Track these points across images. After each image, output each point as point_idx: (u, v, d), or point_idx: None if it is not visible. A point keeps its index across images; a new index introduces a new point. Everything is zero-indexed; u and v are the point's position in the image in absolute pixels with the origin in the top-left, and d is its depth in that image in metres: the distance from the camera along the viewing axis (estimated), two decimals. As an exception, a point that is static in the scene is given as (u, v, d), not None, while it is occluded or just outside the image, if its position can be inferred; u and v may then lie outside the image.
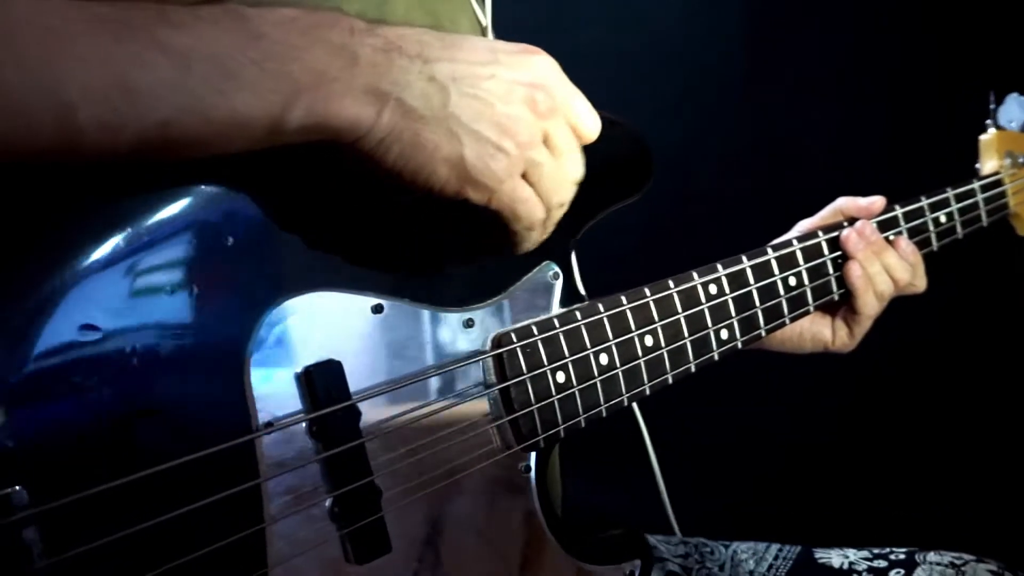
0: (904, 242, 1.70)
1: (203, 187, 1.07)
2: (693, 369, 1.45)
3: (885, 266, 1.64)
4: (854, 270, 1.62)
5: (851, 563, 1.59)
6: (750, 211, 1.64)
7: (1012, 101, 2.10)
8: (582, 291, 1.41)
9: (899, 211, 1.76)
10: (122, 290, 1.02)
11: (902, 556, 1.58)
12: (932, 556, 1.57)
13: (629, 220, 1.57)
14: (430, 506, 1.22)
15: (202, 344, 1.07)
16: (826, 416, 2.89)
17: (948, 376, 2.91)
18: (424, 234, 1.26)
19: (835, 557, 1.62)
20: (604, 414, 1.35)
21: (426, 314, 1.23)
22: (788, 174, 2.71)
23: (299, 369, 1.13)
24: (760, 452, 2.90)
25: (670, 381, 1.42)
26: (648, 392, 1.40)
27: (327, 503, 1.13)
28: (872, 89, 2.83)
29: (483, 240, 1.21)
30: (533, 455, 1.30)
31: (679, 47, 2.92)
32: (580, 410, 1.32)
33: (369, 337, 1.19)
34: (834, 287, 1.64)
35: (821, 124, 2.86)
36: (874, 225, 1.67)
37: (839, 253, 1.65)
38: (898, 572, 1.56)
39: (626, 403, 1.37)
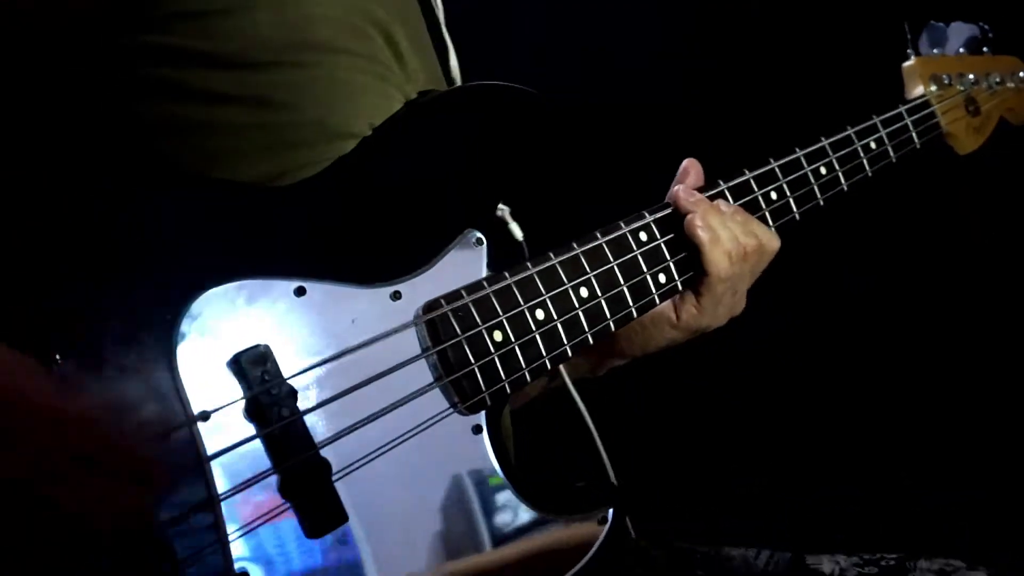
0: (722, 203, 1.55)
1: (101, 185, 1.11)
2: (635, 314, 1.46)
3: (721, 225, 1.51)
4: (695, 222, 1.49)
5: (842, 569, 1.57)
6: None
7: (931, 28, 2.13)
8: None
9: (825, 142, 1.78)
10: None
11: (892, 562, 1.57)
12: (922, 563, 1.55)
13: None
14: (387, 477, 1.23)
15: (129, 343, 1.10)
16: (815, 419, 2.87)
17: (942, 379, 2.88)
18: (344, 214, 1.29)
19: (826, 563, 1.60)
20: (548, 367, 1.36)
21: (351, 291, 1.26)
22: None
23: (228, 357, 1.15)
24: (746, 456, 2.88)
25: (612, 328, 1.44)
26: (591, 341, 1.41)
27: (276, 480, 1.14)
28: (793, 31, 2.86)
29: None
30: (483, 414, 1.31)
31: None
32: (523, 364, 1.33)
33: (296, 320, 1.22)
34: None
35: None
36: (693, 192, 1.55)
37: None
38: None
39: (569, 353, 1.39)
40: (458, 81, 1.68)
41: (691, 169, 1.58)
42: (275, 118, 1.33)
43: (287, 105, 1.33)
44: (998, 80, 2.15)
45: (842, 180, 1.77)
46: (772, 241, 1.57)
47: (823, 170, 1.75)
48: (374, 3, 1.44)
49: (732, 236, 1.51)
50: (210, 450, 1.12)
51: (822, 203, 1.74)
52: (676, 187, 1.54)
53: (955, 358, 2.85)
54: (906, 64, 2.06)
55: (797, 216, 1.69)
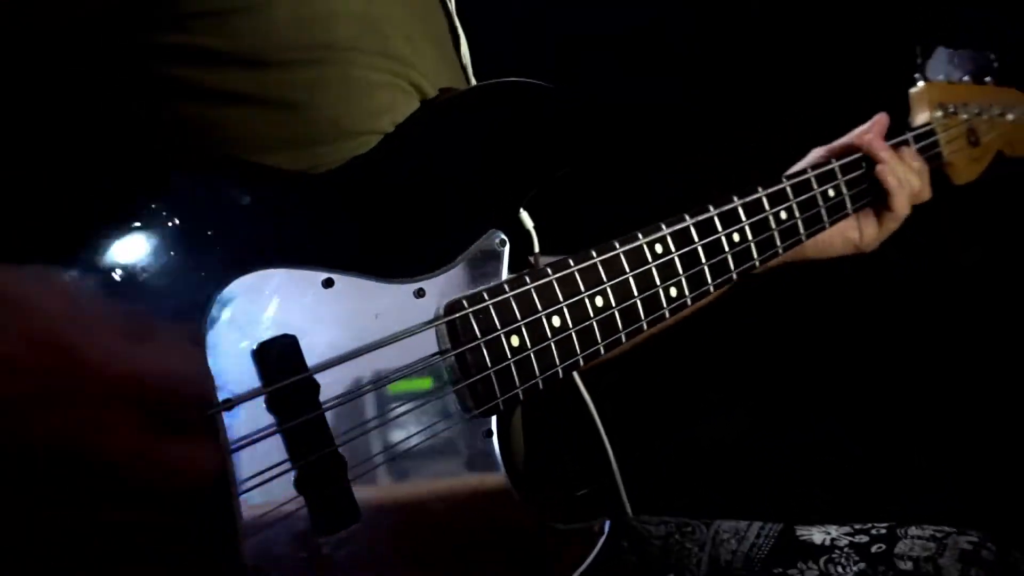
0: (908, 150, 1.88)
1: (138, 170, 1.09)
2: (645, 327, 1.47)
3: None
4: (886, 171, 1.82)
5: (833, 539, 1.57)
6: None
7: (941, 54, 2.15)
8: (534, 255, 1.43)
9: (835, 164, 1.79)
10: (77, 282, 1.04)
11: (883, 531, 1.56)
12: (913, 530, 1.55)
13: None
14: (398, 476, 1.23)
15: (158, 327, 1.08)
16: (807, 392, 2.92)
17: (930, 351, 2.93)
18: (370, 208, 1.28)
19: (816, 534, 1.60)
20: (560, 375, 1.37)
21: (376, 286, 1.25)
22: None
23: (254, 345, 1.14)
24: (737, 431, 2.92)
25: (623, 340, 1.44)
26: (603, 352, 1.42)
27: (292, 475, 1.14)
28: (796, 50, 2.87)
29: None
30: (494, 419, 1.32)
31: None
32: (536, 371, 1.33)
33: (322, 311, 1.20)
34: (848, 204, 1.80)
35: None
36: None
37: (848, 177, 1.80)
38: (879, 547, 1.53)
39: (582, 364, 1.39)
40: (469, 69, 1.66)
41: (882, 121, 1.88)
42: (291, 116, 1.31)
43: (304, 104, 1.32)
44: (999, 112, 2.18)
45: (847, 205, 1.79)
46: (926, 191, 1.91)
47: (831, 192, 1.76)
48: None
49: (910, 182, 1.85)
50: (232, 436, 1.10)
51: (828, 225, 1.76)
52: (870, 138, 1.84)
53: (950, 337, 2.91)
54: (914, 90, 2.08)
55: (803, 238, 1.70)
